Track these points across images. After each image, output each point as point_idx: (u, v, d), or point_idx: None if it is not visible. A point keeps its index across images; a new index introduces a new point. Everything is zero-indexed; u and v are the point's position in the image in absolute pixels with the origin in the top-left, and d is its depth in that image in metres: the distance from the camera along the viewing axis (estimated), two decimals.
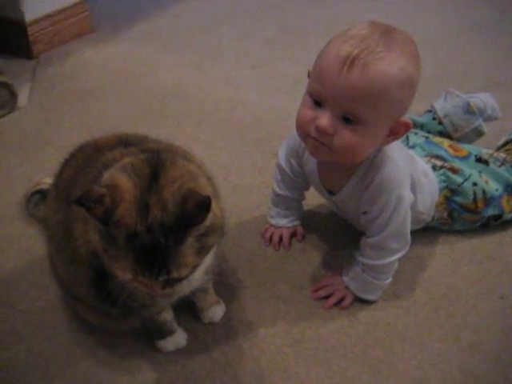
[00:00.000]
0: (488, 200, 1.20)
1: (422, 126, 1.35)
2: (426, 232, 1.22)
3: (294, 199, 1.26)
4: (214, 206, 0.76)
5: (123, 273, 0.76)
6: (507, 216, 1.23)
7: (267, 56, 2.08)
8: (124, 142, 0.95)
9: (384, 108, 0.92)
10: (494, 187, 1.20)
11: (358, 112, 0.91)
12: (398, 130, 0.98)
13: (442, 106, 1.36)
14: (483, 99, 1.35)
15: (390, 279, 1.10)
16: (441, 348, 1.03)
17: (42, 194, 1.18)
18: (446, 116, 1.34)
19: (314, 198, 1.30)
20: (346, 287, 1.12)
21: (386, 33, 0.92)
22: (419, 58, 0.95)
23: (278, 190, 1.24)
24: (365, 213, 1.06)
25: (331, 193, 1.13)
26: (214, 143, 1.60)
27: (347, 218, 1.21)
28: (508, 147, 1.34)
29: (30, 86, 1.92)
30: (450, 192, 1.19)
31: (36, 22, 2.09)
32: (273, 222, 1.27)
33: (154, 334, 1.04)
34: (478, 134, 1.34)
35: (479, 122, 1.32)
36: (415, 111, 1.30)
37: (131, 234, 0.72)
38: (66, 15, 2.19)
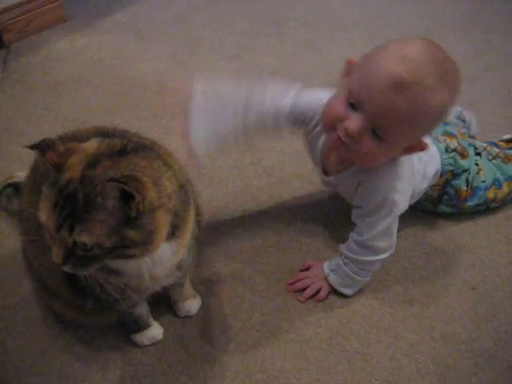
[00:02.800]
0: (474, 190, 1.22)
1: None
2: (400, 223, 1.23)
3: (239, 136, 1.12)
4: (161, 218, 0.75)
5: (42, 213, 0.75)
6: (490, 206, 1.27)
7: (244, 47, 2.07)
8: (104, 135, 0.91)
9: (414, 134, 0.95)
10: (482, 178, 1.23)
11: (389, 132, 0.92)
12: (413, 148, 0.99)
13: None
14: (469, 115, 1.40)
15: (368, 278, 1.11)
16: (414, 339, 1.04)
17: (14, 187, 1.16)
18: None
19: (288, 193, 1.30)
20: (325, 278, 1.12)
21: (442, 65, 0.91)
22: (458, 92, 0.94)
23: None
24: (358, 207, 1.08)
25: (326, 172, 1.14)
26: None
27: (338, 192, 1.20)
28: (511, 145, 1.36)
29: (0, 77, 1.88)
30: (452, 175, 1.21)
31: (6, 10, 2.04)
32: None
33: (130, 328, 1.03)
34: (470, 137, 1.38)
35: (465, 130, 1.36)
36: None
37: (67, 180, 0.73)
38: (38, 4, 2.14)
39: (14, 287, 1.15)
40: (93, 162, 0.74)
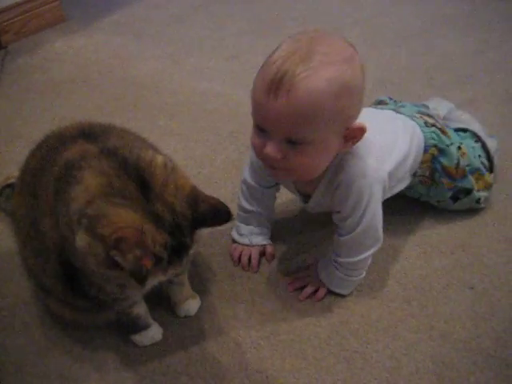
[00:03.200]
0: (465, 171, 1.22)
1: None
2: (398, 223, 1.24)
3: (264, 215, 1.22)
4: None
5: (155, 278, 0.81)
6: (475, 195, 1.24)
7: (242, 47, 2.07)
8: (87, 133, 0.92)
9: (325, 124, 0.89)
10: (466, 162, 1.22)
11: (299, 135, 0.89)
12: (353, 135, 0.94)
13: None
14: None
15: (363, 274, 1.11)
16: (413, 338, 1.05)
17: (12, 188, 1.16)
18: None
19: (286, 193, 1.30)
20: (320, 279, 1.12)
21: (311, 44, 0.87)
22: (354, 59, 0.91)
23: (248, 207, 1.20)
24: (338, 212, 1.06)
25: (306, 196, 1.12)
26: (188, 136, 1.59)
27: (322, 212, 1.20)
28: None
29: None
30: (438, 151, 1.19)
31: (4, 10, 2.04)
32: (245, 240, 1.21)
33: (129, 328, 1.03)
34: None
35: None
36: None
37: (164, 245, 0.77)
38: (36, 4, 2.15)
39: (12, 288, 1.15)
40: (155, 220, 0.77)
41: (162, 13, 2.35)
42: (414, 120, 1.19)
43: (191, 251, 0.83)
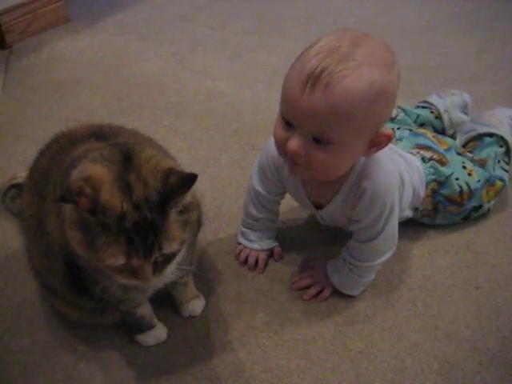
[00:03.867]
0: (472, 192, 1.20)
1: (417, 117, 1.37)
2: (403, 222, 1.23)
3: (272, 219, 1.21)
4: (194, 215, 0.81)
5: (116, 258, 0.73)
6: (486, 206, 1.25)
7: (246, 46, 2.07)
8: (97, 134, 0.93)
9: (355, 127, 0.87)
10: (476, 178, 1.21)
11: (327, 134, 0.86)
12: (379, 142, 0.92)
13: (440, 102, 1.40)
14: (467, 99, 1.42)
15: (372, 276, 1.11)
16: (418, 338, 1.04)
17: (18, 188, 1.17)
18: (445, 111, 1.39)
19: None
20: (328, 280, 1.12)
21: (355, 44, 0.85)
22: (394, 66, 0.89)
23: (257, 214, 1.18)
24: (357, 221, 1.03)
25: (317, 206, 1.10)
26: (193, 135, 1.59)
27: (333, 225, 1.18)
28: (469, 145, 1.35)
29: (3, 78, 1.88)
30: (438, 185, 1.18)
31: (9, 11, 2.04)
32: (255, 246, 1.19)
33: (134, 328, 1.03)
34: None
35: (442, 126, 1.40)
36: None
37: (120, 215, 0.71)
38: (41, 4, 2.15)
39: (18, 287, 1.15)
40: (123, 186, 0.73)
41: (165, 12, 2.35)
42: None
43: (169, 248, 0.76)
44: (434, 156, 1.19)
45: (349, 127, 0.86)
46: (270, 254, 1.21)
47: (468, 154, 1.29)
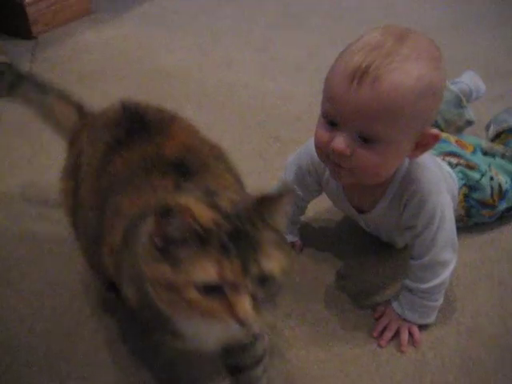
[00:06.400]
0: (503, 193, 1.18)
1: None
2: None
3: (299, 215, 1.21)
4: None
5: (206, 273, 0.61)
6: None
7: (269, 39, 2.07)
8: (180, 166, 0.82)
9: (403, 123, 0.84)
10: (503, 180, 1.19)
11: (374, 131, 0.84)
12: (426, 142, 0.89)
13: None
14: (468, 83, 1.36)
15: (442, 298, 1.02)
16: (440, 332, 1.03)
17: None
18: (437, 113, 1.33)
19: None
20: (403, 319, 1.03)
21: (400, 38, 0.83)
22: (441, 60, 0.86)
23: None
24: (409, 228, 0.99)
25: (360, 211, 1.07)
26: (215, 126, 1.59)
27: (378, 234, 1.16)
28: (502, 137, 1.33)
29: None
30: (468, 189, 1.15)
31: (35, 2, 2.07)
32: None
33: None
34: (469, 124, 1.34)
35: (469, 112, 1.32)
36: None
37: (214, 224, 0.62)
38: None
39: (41, 274, 1.16)
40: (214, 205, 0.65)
41: (190, 4, 2.36)
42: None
43: (267, 264, 0.63)
44: (461, 161, 1.16)
45: (396, 123, 0.84)
46: (291, 246, 1.20)
47: (500, 147, 1.27)
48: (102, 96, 1.74)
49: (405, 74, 0.81)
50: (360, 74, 0.81)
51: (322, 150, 0.91)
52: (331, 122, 0.87)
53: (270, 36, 2.09)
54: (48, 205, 1.25)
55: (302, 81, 1.81)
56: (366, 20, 2.11)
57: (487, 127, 1.39)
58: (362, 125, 0.84)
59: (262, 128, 1.57)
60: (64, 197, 1.00)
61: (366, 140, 0.85)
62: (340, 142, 0.85)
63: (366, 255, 1.20)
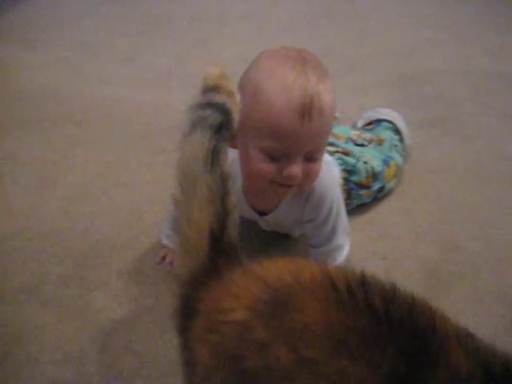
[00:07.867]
0: (375, 175, 1.33)
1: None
2: None
3: None
4: None
5: None
6: (387, 187, 1.37)
7: (136, 48, 2.06)
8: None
9: (328, 132, 0.95)
10: (375, 163, 1.33)
11: (319, 149, 0.93)
12: None
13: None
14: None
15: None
16: None
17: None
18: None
19: None
20: None
21: (303, 61, 0.89)
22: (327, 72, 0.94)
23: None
24: (310, 220, 1.07)
25: (261, 213, 1.12)
26: (98, 143, 1.57)
27: (276, 230, 1.22)
28: (369, 126, 1.49)
29: None
30: (347, 173, 1.29)
31: None
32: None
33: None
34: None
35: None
36: None
37: None
38: None
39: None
40: None
41: (46, 17, 2.27)
42: None
43: None
44: (339, 149, 1.30)
45: (328, 136, 0.95)
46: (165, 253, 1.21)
47: (368, 130, 1.42)
48: None
49: (329, 93, 0.89)
50: (308, 109, 0.86)
51: (266, 179, 0.94)
52: (274, 156, 0.91)
53: (136, 45, 2.08)
54: None
55: (175, 88, 1.83)
56: (226, 21, 2.17)
57: (354, 125, 1.54)
58: (312, 148, 0.92)
59: (145, 140, 1.58)
60: None
61: (309, 158, 0.93)
62: (297, 170, 0.91)
63: (268, 250, 1.25)
